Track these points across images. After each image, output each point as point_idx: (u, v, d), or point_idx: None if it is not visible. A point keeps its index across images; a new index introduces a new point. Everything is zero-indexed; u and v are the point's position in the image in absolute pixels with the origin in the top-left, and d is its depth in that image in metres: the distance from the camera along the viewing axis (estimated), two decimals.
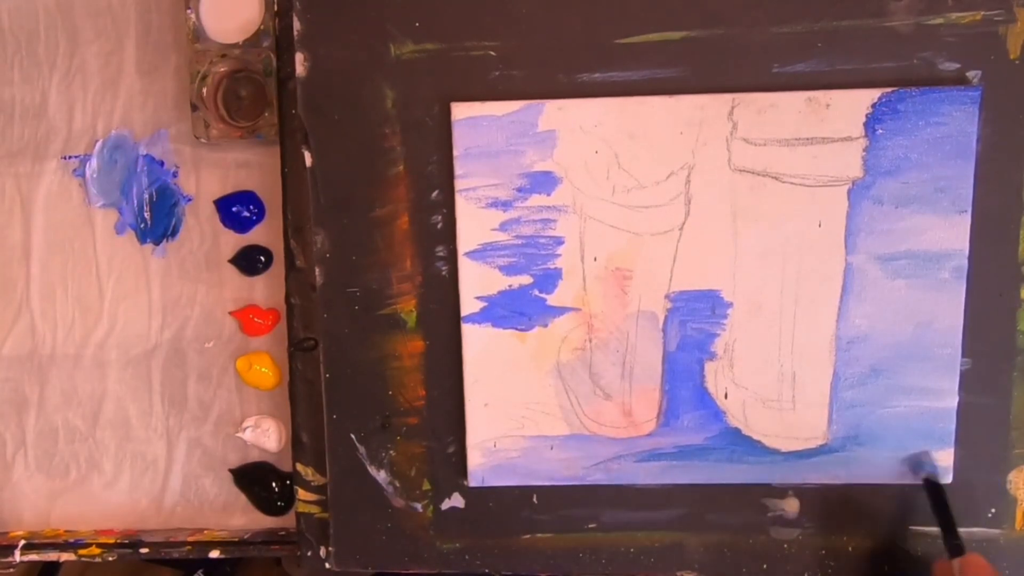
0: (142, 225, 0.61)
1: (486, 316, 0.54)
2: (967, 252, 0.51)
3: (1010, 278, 0.52)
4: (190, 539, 0.61)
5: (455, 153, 0.52)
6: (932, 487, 0.53)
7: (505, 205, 0.53)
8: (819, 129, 0.51)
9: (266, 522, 0.63)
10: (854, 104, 0.50)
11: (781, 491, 0.55)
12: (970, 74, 0.51)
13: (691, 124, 0.51)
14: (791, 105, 0.51)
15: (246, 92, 0.58)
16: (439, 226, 0.54)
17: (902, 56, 0.51)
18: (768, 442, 0.54)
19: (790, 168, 0.51)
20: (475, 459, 0.55)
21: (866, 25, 0.51)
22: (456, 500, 0.56)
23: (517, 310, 0.54)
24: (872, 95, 0.50)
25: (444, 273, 0.54)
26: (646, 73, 0.52)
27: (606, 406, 0.54)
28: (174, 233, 0.61)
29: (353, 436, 0.56)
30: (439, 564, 0.57)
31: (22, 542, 0.61)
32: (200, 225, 0.61)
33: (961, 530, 0.53)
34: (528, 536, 0.56)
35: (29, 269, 0.62)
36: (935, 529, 0.53)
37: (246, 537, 0.61)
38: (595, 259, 0.53)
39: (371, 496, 0.56)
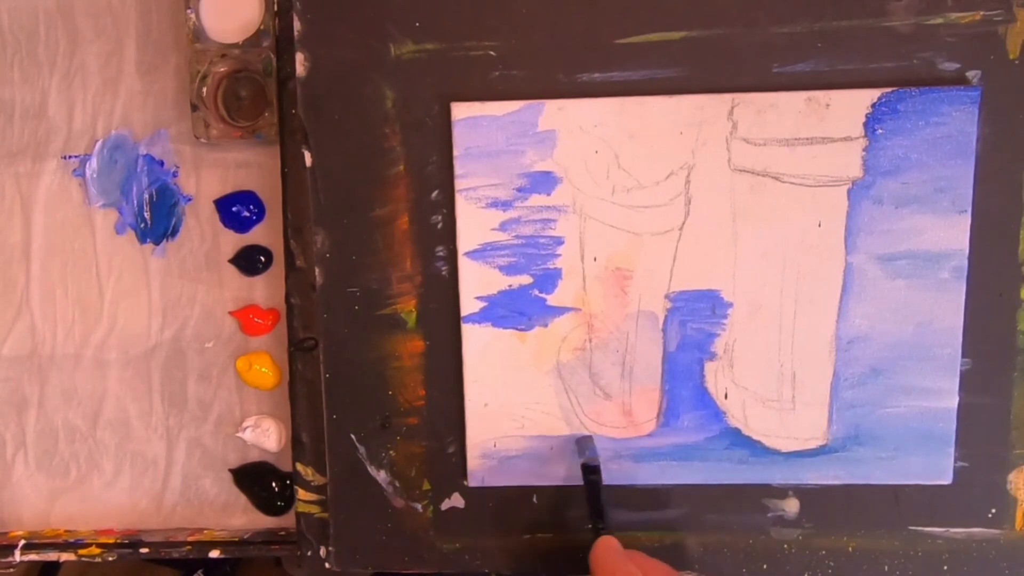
0: (142, 225, 0.61)
1: (486, 316, 0.54)
2: (967, 252, 0.51)
3: (1010, 278, 0.52)
4: (190, 539, 0.61)
5: (455, 153, 0.52)
6: (589, 470, 0.52)
7: (505, 205, 0.53)
8: (819, 129, 0.51)
9: (266, 522, 0.63)
10: (854, 104, 0.50)
11: (781, 491, 0.55)
12: (970, 74, 0.51)
13: (691, 124, 0.51)
14: (791, 105, 0.51)
15: (246, 92, 0.58)
16: (439, 226, 0.54)
17: (902, 56, 0.51)
18: (768, 442, 0.54)
19: (790, 168, 0.51)
20: (475, 459, 0.55)
21: (866, 25, 0.51)
22: (456, 500, 0.56)
23: (517, 310, 0.54)
24: (872, 95, 0.50)
25: (444, 273, 0.54)
26: (646, 73, 0.52)
27: (606, 406, 0.54)
28: (174, 233, 0.61)
29: (353, 436, 0.56)
30: (439, 564, 0.57)
31: (22, 542, 0.61)
32: (200, 225, 0.61)
33: (961, 530, 0.53)
34: (528, 536, 0.56)
35: (29, 269, 0.62)
36: (936, 529, 0.53)
37: (246, 537, 0.61)
38: (595, 259, 0.53)
39: (371, 496, 0.56)
